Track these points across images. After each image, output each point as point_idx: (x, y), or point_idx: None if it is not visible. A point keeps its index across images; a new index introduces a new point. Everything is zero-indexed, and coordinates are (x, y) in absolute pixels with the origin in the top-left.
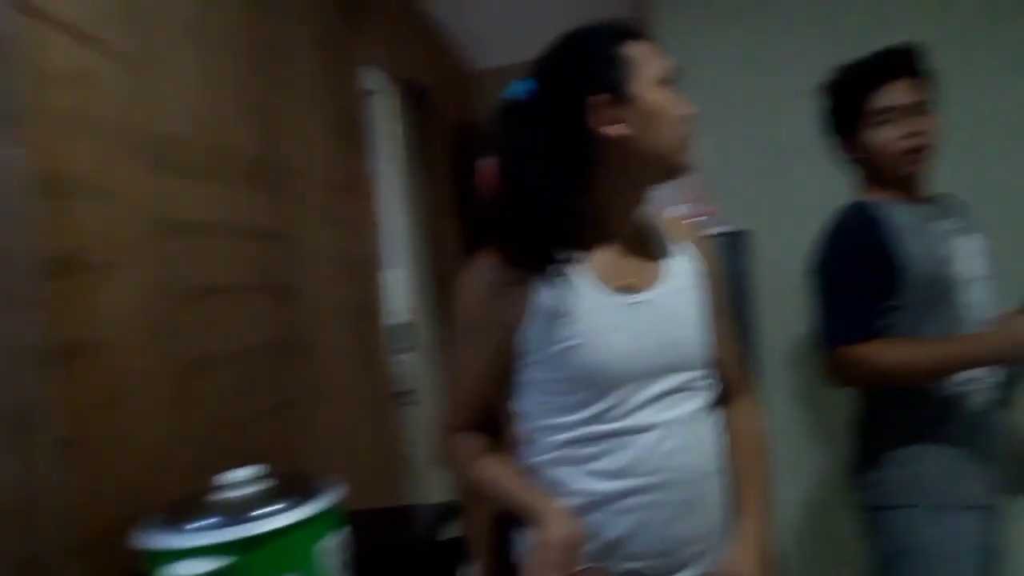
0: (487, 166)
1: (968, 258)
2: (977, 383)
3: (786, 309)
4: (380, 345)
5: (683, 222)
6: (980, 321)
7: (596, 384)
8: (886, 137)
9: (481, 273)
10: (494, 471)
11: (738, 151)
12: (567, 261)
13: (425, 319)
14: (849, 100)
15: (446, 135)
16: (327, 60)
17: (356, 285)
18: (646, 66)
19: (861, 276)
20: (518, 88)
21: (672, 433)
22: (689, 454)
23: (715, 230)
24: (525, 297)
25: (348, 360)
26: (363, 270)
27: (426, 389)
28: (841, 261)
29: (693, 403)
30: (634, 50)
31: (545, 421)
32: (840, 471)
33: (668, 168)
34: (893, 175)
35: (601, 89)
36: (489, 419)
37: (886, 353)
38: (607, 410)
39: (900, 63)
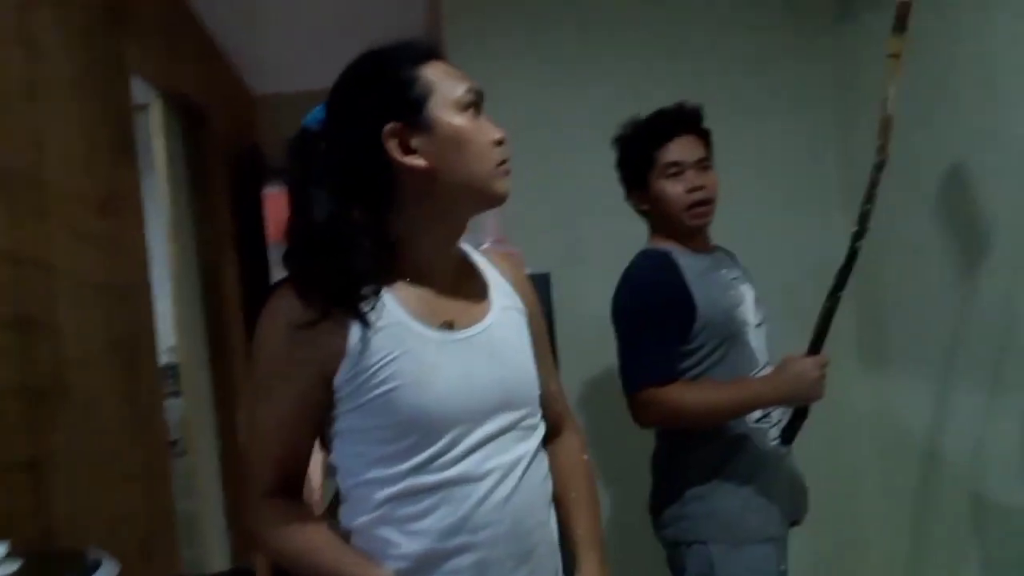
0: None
1: (747, 305)
2: (765, 421)
3: (582, 352)
4: (154, 387)
5: (508, 257)
6: (762, 363)
7: (422, 429)
8: (674, 190)
9: (281, 311)
10: (306, 540)
11: (536, 196)
12: (375, 297)
13: (196, 360)
14: (639, 153)
15: (227, 160)
16: (88, 60)
17: (124, 317)
18: (446, 89)
19: (661, 320)
20: (315, 116)
21: (505, 479)
22: (523, 502)
23: None
24: (336, 337)
25: (115, 405)
26: (131, 300)
27: (197, 439)
28: (642, 306)
29: (525, 444)
30: (433, 72)
31: (365, 475)
32: (640, 508)
33: (481, 197)
34: (681, 225)
35: (396, 116)
36: (299, 478)
37: (686, 395)
38: (434, 458)
39: (685, 121)
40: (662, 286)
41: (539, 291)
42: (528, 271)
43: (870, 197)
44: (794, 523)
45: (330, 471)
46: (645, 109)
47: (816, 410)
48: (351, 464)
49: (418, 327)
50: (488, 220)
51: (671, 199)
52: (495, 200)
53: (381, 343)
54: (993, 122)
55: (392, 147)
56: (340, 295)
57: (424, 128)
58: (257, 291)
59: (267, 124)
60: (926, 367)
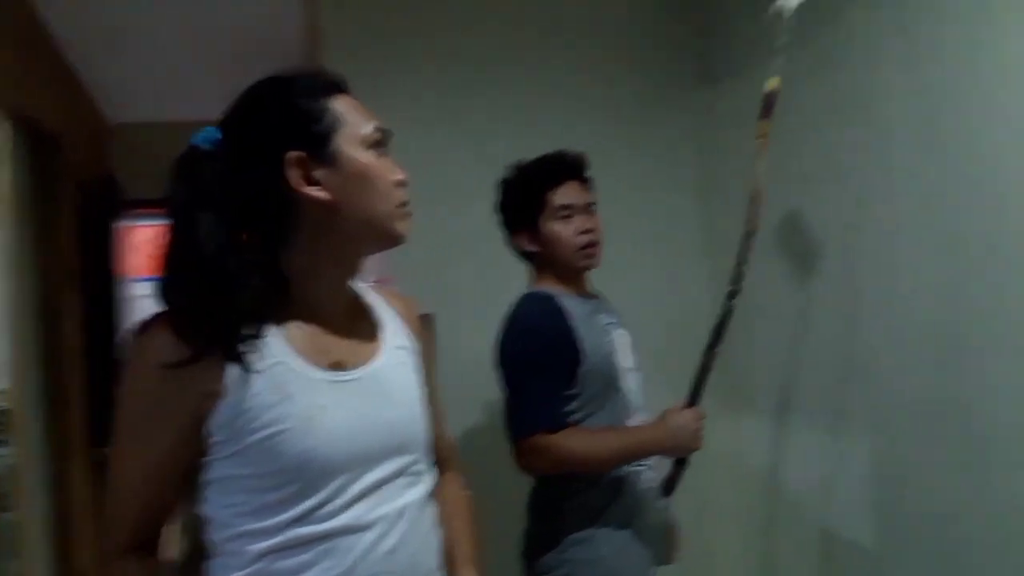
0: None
1: (623, 350)
2: (642, 467)
3: (462, 394)
4: None
5: (398, 295)
6: (637, 410)
7: (305, 476)
8: (565, 232)
9: (152, 350)
10: None
11: (418, 236)
12: (259, 335)
13: (29, 406)
14: (530, 195)
15: (79, 190)
16: None
17: None
18: (354, 124)
19: (549, 365)
20: (207, 135)
21: (393, 529)
22: (412, 552)
23: None
24: (211, 378)
25: None
26: None
27: (25, 494)
28: (530, 350)
29: (414, 491)
30: (341, 105)
31: (240, 528)
32: (517, 554)
33: (380, 237)
34: (569, 268)
35: (301, 145)
36: (158, 533)
37: (575, 442)
38: (318, 507)
39: (575, 166)
40: (550, 330)
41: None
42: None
43: (742, 261)
44: (664, 563)
45: (191, 524)
46: (524, 154)
47: None
48: (224, 515)
49: (305, 367)
50: (371, 259)
51: (563, 240)
52: (394, 240)
53: (263, 384)
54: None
55: (294, 176)
56: (219, 333)
57: (329, 160)
58: (101, 333)
59: (123, 154)
60: (776, 406)
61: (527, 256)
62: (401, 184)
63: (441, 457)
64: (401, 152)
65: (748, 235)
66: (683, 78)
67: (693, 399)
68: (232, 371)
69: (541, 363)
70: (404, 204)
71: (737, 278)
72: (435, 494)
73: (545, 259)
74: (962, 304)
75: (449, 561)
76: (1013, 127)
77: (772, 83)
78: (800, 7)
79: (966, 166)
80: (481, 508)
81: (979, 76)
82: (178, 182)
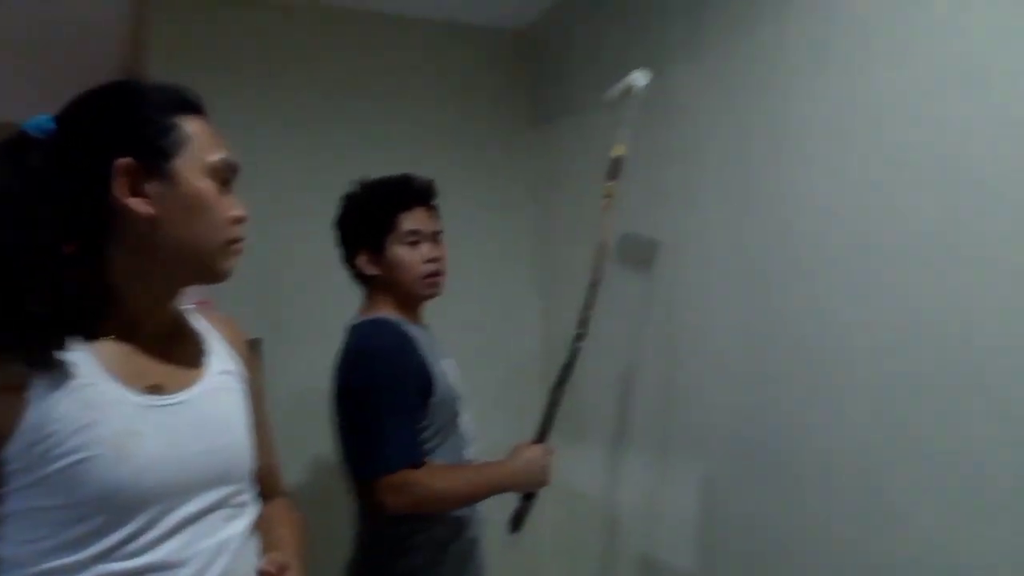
0: None
1: (456, 381)
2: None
3: (288, 423)
4: None
5: (228, 321)
6: (472, 442)
7: (114, 508)
8: (411, 257)
9: None
10: None
11: (246, 260)
12: (64, 352)
13: None
14: (379, 215)
15: None
16: None
17: None
18: (202, 149)
19: (403, 396)
20: (39, 124)
21: (211, 566)
22: None
23: None
24: (10, 397)
25: None
26: None
27: None
28: (380, 381)
29: (234, 525)
30: (194, 127)
31: (39, 566)
32: None
33: (200, 268)
34: (410, 295)
35: (137, 153)
36: None
37: (436, 479)
38: (127, 541)
39: (424, 192)
40: (401, 359)
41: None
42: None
43: (588, 307)
44: None
45: None
46: (351, 174)
47: None
48: (22, 554)
49: (118, 390)
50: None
51: (407, 266)
52: (215, 277)
53: (70, 407)
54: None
55: (120, 183)
56: (20, 342)
57: (165, 177)
58: None
59: None
60: (606, 440)
61: (364, 279)
62: (238, 221)
63: (267, 486)
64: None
65: (593, 285)
66: (519, 118)
67: (542, 435)
68: (35, 390)
69: (395, 394)
70: (235, 241)
71: (583, 323)
72: (260, 517)
73: (385, 284)
74: (767, 342)
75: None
76: (814, 175)
77: (619, 149)
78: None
79: (773, 212)
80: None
81: (789, 127)
82: (2, 165)
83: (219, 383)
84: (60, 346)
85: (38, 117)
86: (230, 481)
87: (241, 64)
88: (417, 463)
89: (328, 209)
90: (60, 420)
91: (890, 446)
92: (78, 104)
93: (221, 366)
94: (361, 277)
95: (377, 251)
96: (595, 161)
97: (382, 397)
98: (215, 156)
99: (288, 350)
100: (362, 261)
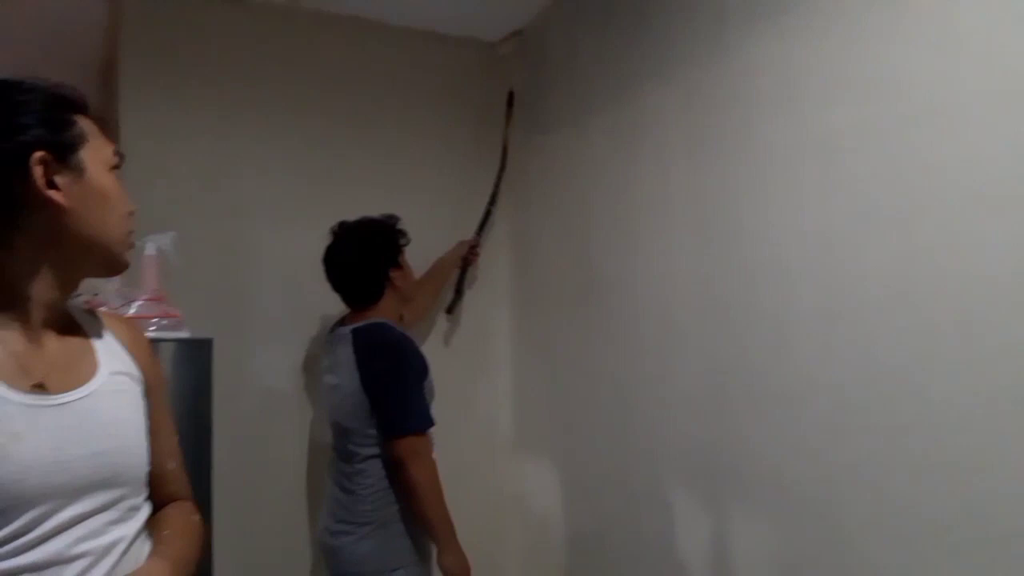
0: None
1: None
2: None
3: (240, 422)
4: None
5: (124, 320)
6: None
7: None
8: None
9: None
10: None
11: (204, 259)
12: None
13: None
14: (399, 244)
15: None
16: None
17: None
18: (98, 144)
19: (422, 380)
20: None
21: (98, 565)
22: None
23: (176, 335)
24: None
25: None
26: None
27: None
28: (412, 366)
29: (124, 527)
30: (86, 124)
31: None
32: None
33: (106, 261)
34: (404, 304)
35: (48, 147)
36: None
37: (434, 474)
38: (8, 540)
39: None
40: (418, 352)
41: (201, 357)
42: (187, 335)
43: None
44: None
45: None
46: (319, 183)
47: (472, 492)
48: None
49: (2, 387)
50: (147, 275)
51: (410, 287)
52: (119, 267)
53: None
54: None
55: (38, 173)
56: None
57: (74, 169)
58: None
59: None
60: (566, 467)
61: (383, 290)
62: (132, 215)
63: (168, 490)
64: (194, 170)
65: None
66: (496, 129)
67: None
68: None
69: (417, 375)
70: (131, 234)
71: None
72: (152, 519)
73: (398, 294)
74: (723, 365)
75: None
76: (763, 205)
77: None
78: None
79: (731, 241)
80: (245, 534)
81: (754, 166)
82: None
83: (111, 384)
84: None
85: None
86: (118, 484)
87: (218, 67)
88: (431, 425)
89: (287, 212)
90: None
91: (848, 480)
92: None
93: (114, 367)
94: (382, 288)
95: (399, 267)
96: (567, 172)
97: (410, 377)
98: (108, 151)
99: (243, 350)
100: (396, 274)
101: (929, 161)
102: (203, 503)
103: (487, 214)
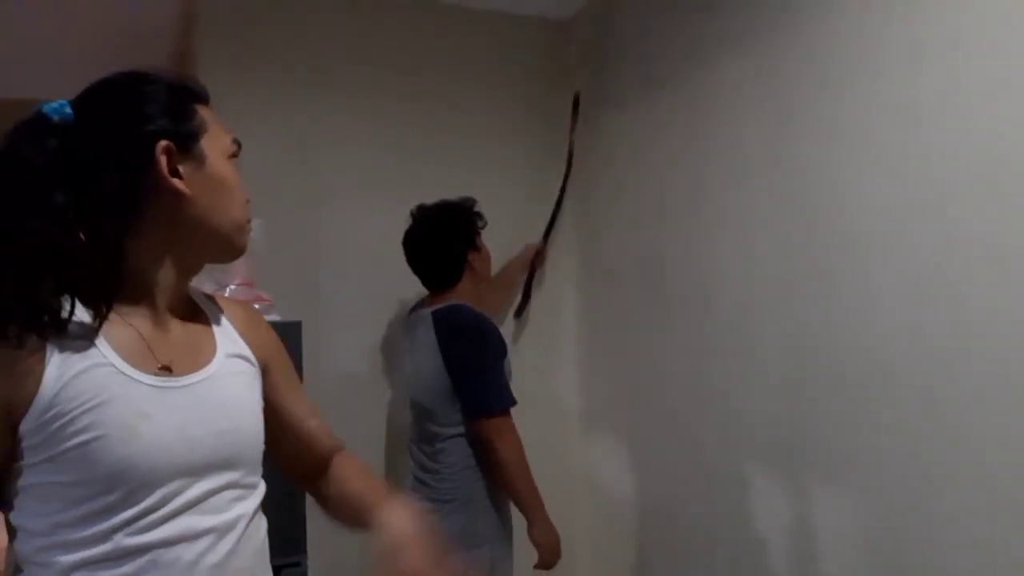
0: None
1: None
2: None
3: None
4: None
5: (239, 303)
6: None
7: (127, 485)
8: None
9: None
10: None
11: (287, 243)
12: (84, 327)
13: None
14: (476, 225)
15: None
16: None
17: None
18: (217, 133)
19: (502, 359)
20: (60, 108)
21: (222, 542)
22: (241, 566)
23: (269, 319)
24: (29, 374)
25: None
26: None
27: None
28: (493, 349)
29: (244, 504)
30: (206, 113)
31: (54, 538)
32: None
33: (227, 246)
34: (484, 286)
35: (171, 136)
36: None
37: (522, 453)
38: (137, 518)
39: None
40: (499, 335)
41: (291, 339)
42: (278, 318)
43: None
44: None
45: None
46: (396, 166)
47: (542, 470)
48: (37, 524)
49: (129, 370)
50: (238, 262)
51: (488, 269)
52: (236, 252)
53: (83, 386)
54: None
55: (163, 162)
56: (48, 321)
57: (197, 158)
58: None
59: None
60: (640, 432)
61: (461, 272)
62: (248, 202)
63: (321, 448)
64: (274, 156)
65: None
66: (562, 109)
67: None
68: (51, 368)
69: (499, 355)
70: (249, 220)
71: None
72: (331, 477)
73: (476, 275)
74: (803, 341)
75: (362, 508)
76: (849, 178)
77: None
78: None
79: (811, 214)
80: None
81: (840, 136)
82: (15, 146)
83: (229, 366)
84: (74, 318)
85: (56, 102)
86: (238, 463)
87: (290, 53)
88: (514, 404)
89: (370, 197)
90: (73, 400)
91: (939, 457)
92: (102, 92)
93: (231, 349)
94: (461, 270)
95: (477, 250)
96: (637, 151)
97: (491, 357)
98: (227, 139)
99: (328, 334)
100: (475, 256)
101: (1020, 129)
102: (289, 486)
103: (553, 218)
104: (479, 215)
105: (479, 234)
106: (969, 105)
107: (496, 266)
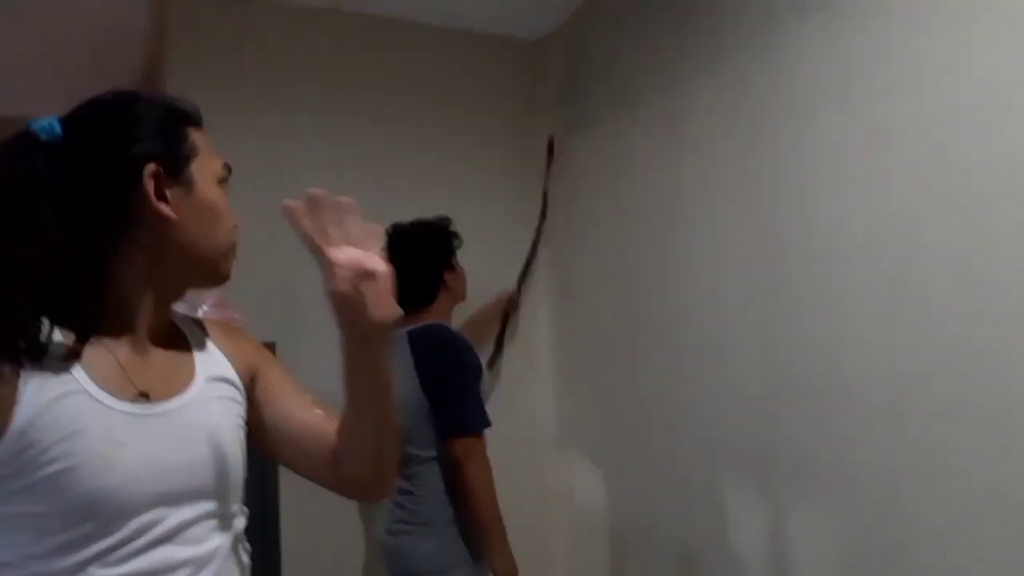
0: None
1: None
2: None
3: None
4: None
5: (216, 322)
6: None
7: (101, 516)
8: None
9: None
10: None
11: (259, 262)
12: (62, 352)
13: None
14: (452, 244)
15: None
16: None
17: None
18: (208, 158)
19: (480, 381)
20: (48, 127)
21: (200, 573)
22: None
23: None
24: (3, 394)
25: None
26: None
27: None
28: (469, 367)
29: (223, 536)
30: (198, 137)
31: (25, 570)
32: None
33: (211, 273)
34: (456, 304)
35: (160, 160)
36: None
37: (489, 477)
38: (111, 549)
39: None
40: (475, 355)
41: None
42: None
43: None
44: None
45: None
46: (370, 185)
47: (518, 488)
48: (8, 556)
49: (105, 397)
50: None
51: (463, 289)
52: (221, 278)
53: (57, 414)
54: None
55: (151, 186)
56: (25, 347)
57: (185, 183)
58: None
59: None
60: (614, 448)
61: (437, 290)
62: (236, 227)
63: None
64: (245, 172)
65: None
66: (535, 128)
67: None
68: (27, 396)
69: (476, 379)
70: (235, 246)
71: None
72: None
73: (451, 294)
74: (777, 357)
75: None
76: (819, 197)
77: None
78: None
79: (783, 233)
80: (313, 530)
81: (810, 157)
82: (9, 163)
83: (209, 391)
84: (52, 345)
85: (45, 119)
86: (216, 492)
87: (261, 71)
88: (488, 425)
89: None
90: (46, 428)
91: (912, 471)
92: (93, 110)
93: (213, 372)
94: (436, 290)
95: (453, 269)
96: (609, 169)
97: (467, 377)
98: (218, 164)
99: (303, 353)
100: (450, 276)
101: (986, 151)
102: (270, 506)
103: (527, 265)
104: (454, 234)
105: (454, 254)
106: (934, 127)
107: (470, 287)
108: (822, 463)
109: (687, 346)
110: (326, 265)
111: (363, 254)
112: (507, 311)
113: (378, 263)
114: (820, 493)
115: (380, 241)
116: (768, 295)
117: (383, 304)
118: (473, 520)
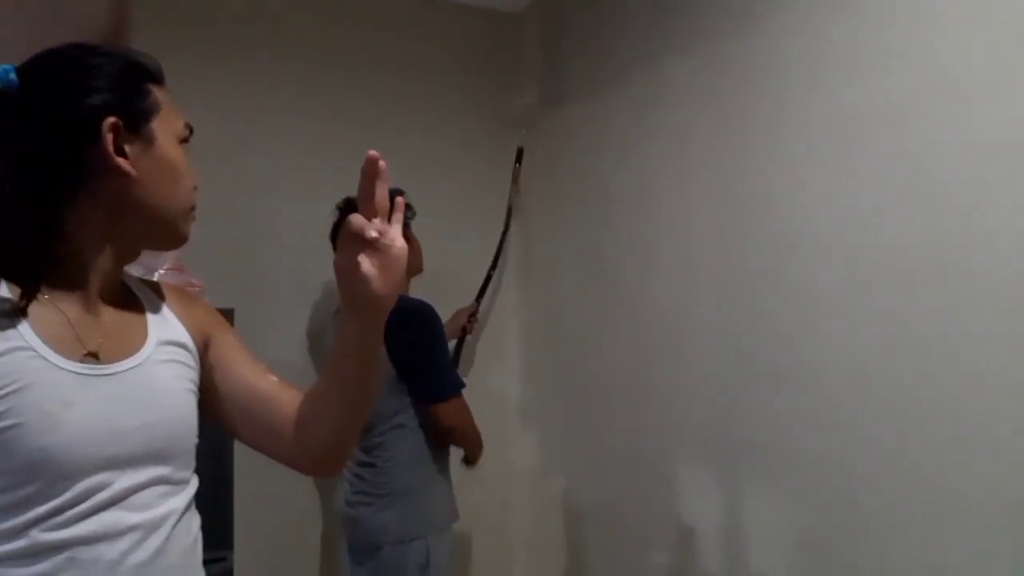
0: None
1: None
2: None
3: None
4: None
5: (171, 286)
6: None
7: (46, 476)
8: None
9: None
10: None
11: (219, 229)
12: (8, 306)
13: None
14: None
15: None
16: None
17: None
18: (170, 116)
19: (446, 345)
20: (3, 76)
21: (147, 539)
22: (168, 566)
23: None
24: None
25: None
26: None
27: None
28: (441, 336)
29: (175, 500)
30: (160, 94)
31: None
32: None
33: (169, 233)
34: (411, 278)
35: (121, 114)
36: None
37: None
38: (55, 512)
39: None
40: (440, 319)
41: None
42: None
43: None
44: None
45: None
46: (333, 158)
47: (483, 464)
48: None
49: (52, 355)
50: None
51: (419, 261)
52: (179, 240)
53: (1, 370)
54: None
55: (109, 139)
56: None
57: (145, 139)
58: None
59: None
60: (577, 427)
61: None
62: (195, 189)
63: (288, 398)
64: (207, 139)
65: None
66: (513, 101)
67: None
68: None
69: (444, 340)
70: (193, 208)
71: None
72: (306, 401)
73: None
74: (741, 340)
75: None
76: (786, 182)
77: None
78: None
79: (753, 215)
80: (268, 499)
81: (780, 141)
82: None
83: (161, 354)
84: (11, 300)
85: (0, 67)
86: (168, 457)
87: (230, 40)
88: (463, 386)
89: (305, 184)
90: None
91: (867, 457)
92: (52, 61)
93: (166, 336)
94: None
95: (408, 241)
96: (582, 148)
97: (439, 344)
98: (180, 123)
99: (261, 320)
100: None
101: (954, 137)
102: (223, 473)
103: (487, 279)
104: (408, 206)
105: (408, 225)
106: (904, 115)
107: (444, 260)
108: (779, 446)
109: (652, 328)
110: (353, 233)
111: (387, 227)
112: (465, 328)
113: (398, 238)
114: (776, 475)
115: (402, 215)
116: (733, 280)
117: (392, 281)
118: (469, 453)
